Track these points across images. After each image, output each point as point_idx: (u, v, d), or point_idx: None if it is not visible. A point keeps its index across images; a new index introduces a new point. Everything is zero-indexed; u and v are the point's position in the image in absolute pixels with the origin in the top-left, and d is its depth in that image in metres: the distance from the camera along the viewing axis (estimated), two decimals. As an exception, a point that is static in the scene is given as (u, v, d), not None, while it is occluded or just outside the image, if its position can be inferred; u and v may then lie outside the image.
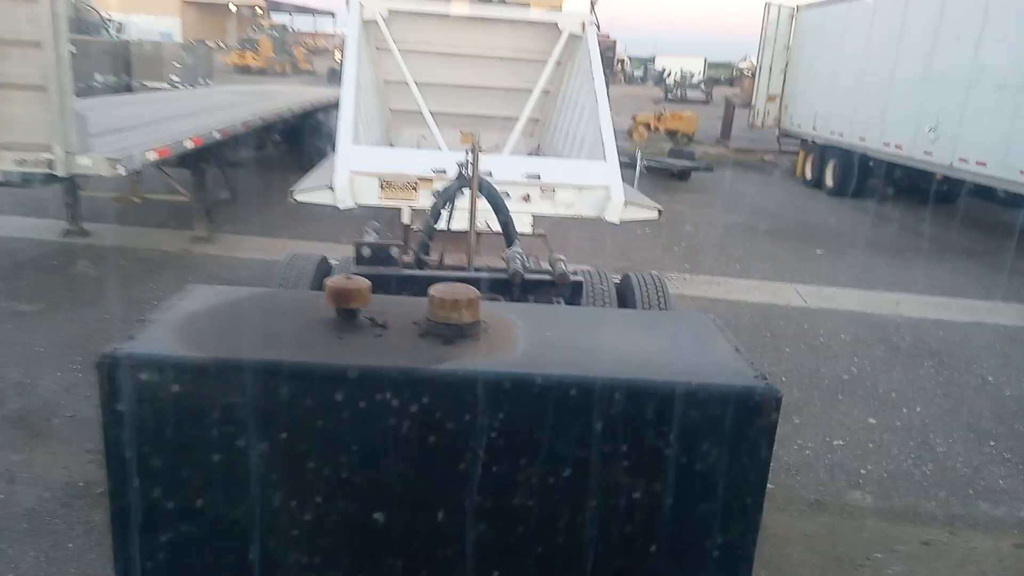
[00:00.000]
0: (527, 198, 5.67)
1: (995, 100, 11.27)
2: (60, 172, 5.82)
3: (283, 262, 3.72)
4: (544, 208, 5.70)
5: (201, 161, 8.60)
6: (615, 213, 5.53)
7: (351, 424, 1.23)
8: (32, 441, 4.49)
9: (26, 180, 6.00)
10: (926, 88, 12.94)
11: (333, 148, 5.82)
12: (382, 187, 5.50)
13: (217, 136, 8.08)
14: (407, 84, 7.42)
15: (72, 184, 8.24)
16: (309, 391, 1.22)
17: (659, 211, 5.74)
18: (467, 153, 3.42)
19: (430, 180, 5.53)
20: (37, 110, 5.64)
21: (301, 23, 68.52)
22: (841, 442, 5.22)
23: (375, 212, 5.57)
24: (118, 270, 7.90)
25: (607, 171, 5.75)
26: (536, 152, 8.83)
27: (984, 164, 11.38)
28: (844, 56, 16.10)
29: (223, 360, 1.25)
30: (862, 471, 4.86)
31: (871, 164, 15.30)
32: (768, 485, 1.44)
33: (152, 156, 6.48)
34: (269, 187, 10.52)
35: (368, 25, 7.59)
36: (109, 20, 28.75)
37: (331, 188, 5.31)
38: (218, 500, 1.25)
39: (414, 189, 5.56)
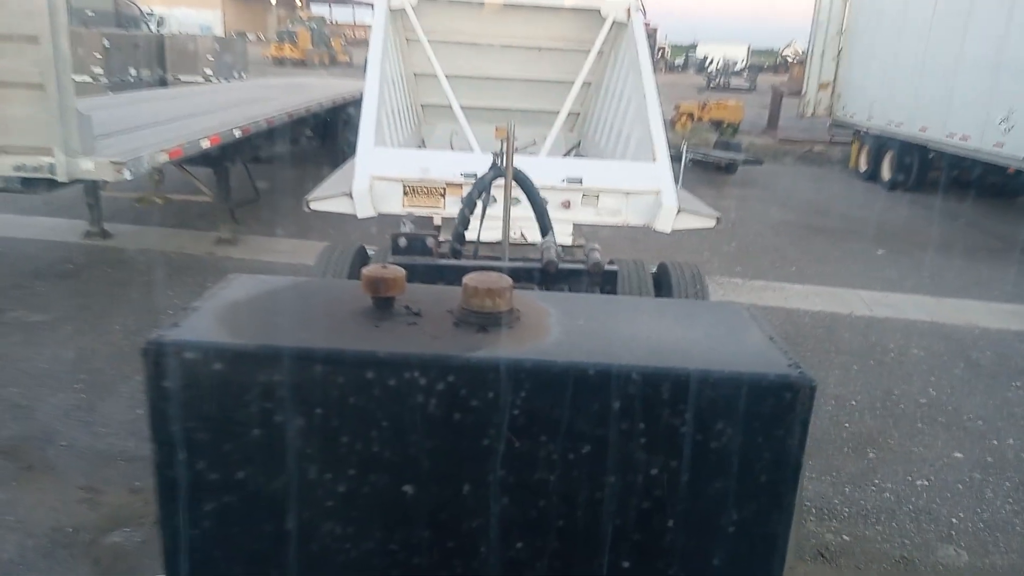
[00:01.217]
0: (567, 205, 5.11)
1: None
2: (61, 177, 5.41)
3: (322, 251, 3.65)
4: (586, 216, 5.14)
5: (224, 160, 8.20)
6: (667, 222, 4.94)
7: (385, 408, 1.26)
8: (21, 475, 4.08)
9: (28, 186, 5.59)
10: (997, 74, 11.99)
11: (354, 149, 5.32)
12: (406, 194, 4.99)
13: (238, 134, 7.65)
14: (438, 77, 6.90)
15: (93, 185, 7.91)
16: (345, 376, 1.25)
17: (717, 219, 5.14)
18: (501, 144, 3.33)
19: (459, 186, 5.01)
20: (35, 110, 5.21)
21: (340, 14, 68.60)
22: (925, 482, 4.58)
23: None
24: (137, 275, 7.55)
25: (657, 173, 5.16)
26: (576, 149, 8.25)
27: (1064, 157, 10.49)
28: (904, 41, 15.13)
29: (263, 346, 1.28)
30: (953, 520, 4.22)
31: (932, 156, 14.38)
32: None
33: (162, 158, 6.05)
34: (299, 185, 10.10)
35: (396, 14, 7.08)
36: (149, 14, 28.84)
37: (349, 195, 4.82)
38: (258, 474, 1.30)
39: (441, 196, 5.04)
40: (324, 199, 4.92)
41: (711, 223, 5.12)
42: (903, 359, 6.47)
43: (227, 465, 1.30)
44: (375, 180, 4.97)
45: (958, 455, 4.93)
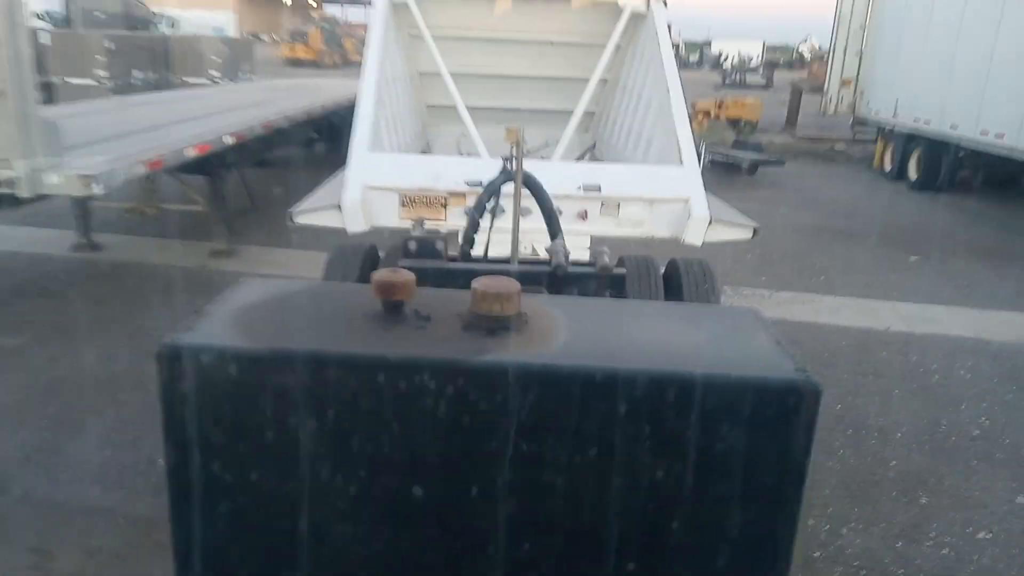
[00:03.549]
0: (584, 215, 4.61)
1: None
2: (23, 193, 4.95)
3: (332, 252, 3.53)
4: (606, 227, 4.63)
5: (218, 167, 7.74)
6: (698, 234, 4.42)
7: (395, 410, 1.27)
8: (-34, 534, 3.64)
9: (-9, 201, 5.14)
10: (1036, 69, 11.36)
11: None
12: (403, 205, 4.51)
13: (229, 141, 7.18)
14: (442, 76, 6.42)
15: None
16: (356, 380, 1.27)
17: (755, 230, 4.62)
18: (511, 147, 3.25)
19: (463, 196, 4.52)
20: (-5, 120, 4.74)
21: (353, 14, 68.24)
22: (988, 535, 4.04)
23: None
24: (124, 291, 7.10)
25: (686, 179, 4.64)
26: (591, 151, 7.74)
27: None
28: (932, 35, 14.48)
29: (276, 350, 1.30)
30: (1025, 583, 3.69)
31: (962, 155, 13.73)
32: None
33: (140, 170, 5.58)
34: (301, 192, 9.66)
35: (398, 8, 6.59)
36: (160, 15, 28.54)
37: (339, 208, 4.34)
38: (271, 476, 1.31)
39: (443, 207, 4.55)
40: (311, 212, 4.45)
41: (748, 235, 4.60)
42: (948, 382, 5.92)
43: (240, 467, 1.31)
44: (368, 190, 4.49)
45: (1021, 500, 4.39)
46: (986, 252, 9.90)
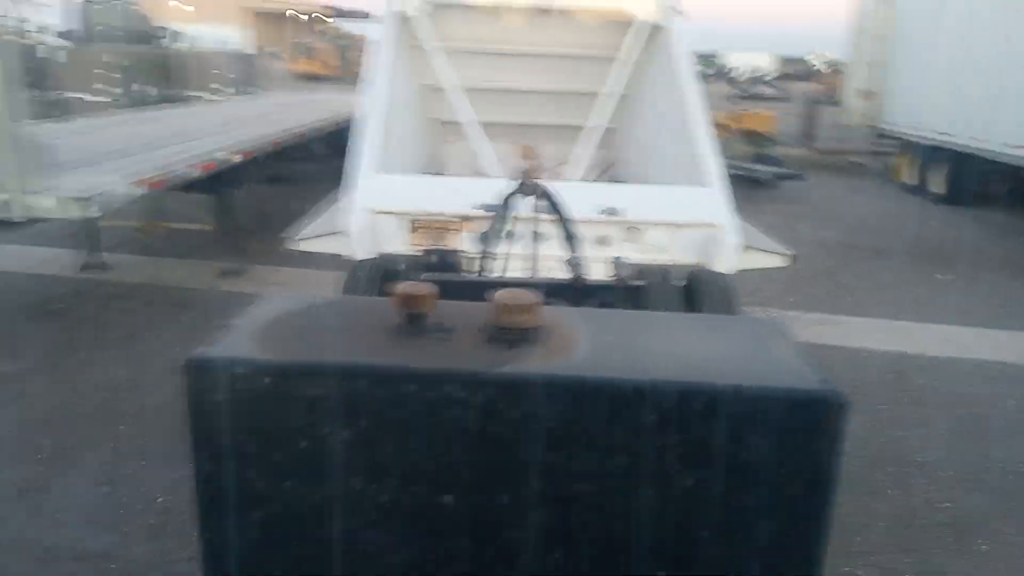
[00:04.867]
0: (604, 240, 4.33)
1: None
2: (15, 216, 4.74)
3: (352, 266, 3.42)
4: (627, 253, 4.34)
5: (226, 185, 7.54)
6: (728, 261, 4.13)
7: (420, 422, 1.29)
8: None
9: (-18, 226, 4.92)
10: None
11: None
12: (413, 230, 4.25)
13: (236, 159, 6.96)
14: (453, 91, 6.18)
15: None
16: (381, 392, 1.29)
17: (793, 257, 4.34)
18: (527, 165, 3.08)
19: (476, 220, 4.26)
20: (-20, 141, 4.51)
21: (359, 28, 68.56)
22: (1053, 586, 3.72)
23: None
24: (131, 314, 6.89)
25: (714, 201, 4.36)
26: (610, 169, 7.47)
27: None
28: (955, 46, 14.16)
29: (301, 363, 1.32)
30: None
31: (986, 167, 13.37)
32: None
33: (140, 191, 5.36)
34: (311, 209, 9.46)
35: (405, 21, 6.37)
36: (176, 31, 28.61)
37: (345, 233, 4.09)
38: (300, 487, 1.32)
39: (456, 232, 4.29)
40: (314, 238, 4.20)
41: (782, 262, 4.32)
42: (995, 413, 5.58)
43: (268, 478, 1.33)
44: (376, 215, 4.24)
45: (1085, 545, 4.05)
46: (1018, 270, 9.54)
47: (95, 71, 14.67)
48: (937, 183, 14.47)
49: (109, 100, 14.70)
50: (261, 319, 1.50)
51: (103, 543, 3.71)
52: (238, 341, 1.40)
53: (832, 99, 21.54)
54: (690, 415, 1.24)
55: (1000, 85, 12.53)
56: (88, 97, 14.36)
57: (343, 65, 47.17)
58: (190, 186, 6.87)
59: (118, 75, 14.98)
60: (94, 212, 4.83)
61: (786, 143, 21.40)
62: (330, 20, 59.67)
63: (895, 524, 4.11)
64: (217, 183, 7.28)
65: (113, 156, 6.47)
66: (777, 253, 4.32)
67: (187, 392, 1.29)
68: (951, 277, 9.14)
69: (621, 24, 6.50)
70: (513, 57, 7.20)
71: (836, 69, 30.96)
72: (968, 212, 13.20)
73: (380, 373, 1.31)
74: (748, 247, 4.17)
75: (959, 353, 6.70)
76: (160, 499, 4.08)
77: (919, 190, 14.96)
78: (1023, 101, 11.96)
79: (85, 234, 7.90)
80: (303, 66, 45.43)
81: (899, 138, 16.32)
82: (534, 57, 7.22)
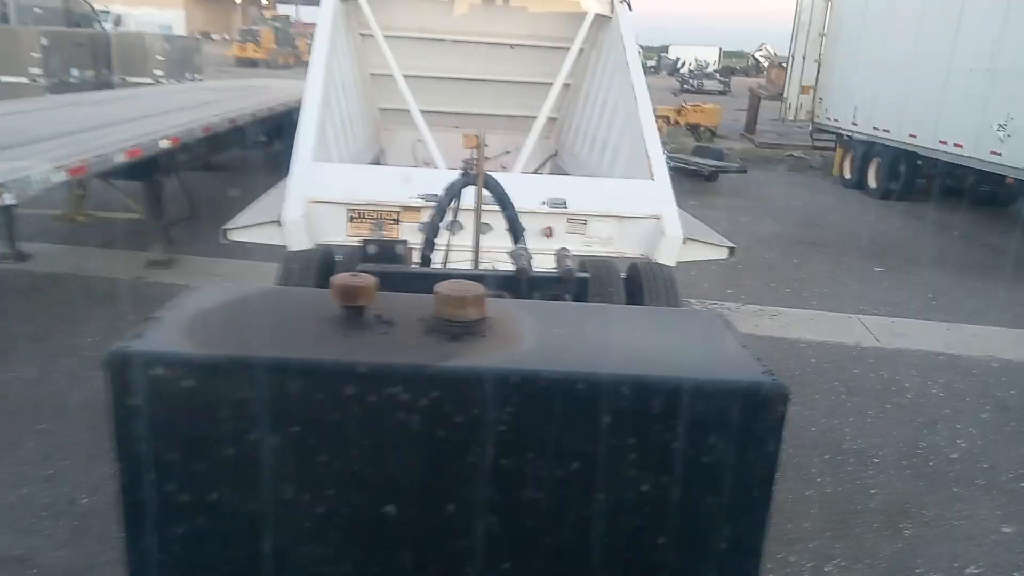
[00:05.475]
0: (549, 233, 4.29)
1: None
2: (-74, 204, 4.45)
3: (286, 257, 3.42)
4: (572, 245, 4.31)
5: (155, 172, 7.24)
6: (670, 254, 4.13)
7: (359, 420, 1.24)
8: None
9: None
10: (994, 79, 11.40)
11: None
12: (351, 220, 4.13)
13: (165, 145, 6.68)
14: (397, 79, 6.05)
15: None
16: (317, 387, 1.23)
17: (731, 250, 4.36)
18: (471, 153, 3.22)
19: (417, 210, 4.16)
20: None
21: (306, 14, 67.25)
22: (976, 570, 3.82)
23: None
24: (50, 306, 6.57)
25: (657, 195, 4.36)
26: (553, 158, 7.43)
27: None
28: (890, 44, 14.54)
29: (232, 357, 1.25)
30: (1020, 625, 3.47)
31: (921, 163, 13.80)
32: None
33: (59, 177, 5.09)
34: (246, 197, 9.18)
35: (347, 6, 6.20)
36: (104, 12, 27.46)
37: (278, 223, 3.95)
38: (230, 494, 1.26)
39: (395, 222, 4.19)
40: (247, 228, 4.05)
41: (723, 254, 4.34)
42: (923, 401, 5.73)
43: (194, 482, 1.26)
44: (313, 204, 4.10)
45: (1006, 529, 4.18)
46: (949, 263, 9.85)
47: (23, 53, 13.93)
48: (874, 178, 14.87)
49: (35, 83, 14.00)
50: (189, 311, 1.43)
51: (22, 547, 3.52)
52: (163, 334, 1.33)
53: (775, 94, 21.90)
54: (640, 407, 1.23)
55: (931, 85, 12.91)
56: (10, 78, 13.65)
57: (282, 50, 46.19)
58: (116, 173, 6.56)
59: (47, 57, 14.25)
60: (10, 199, 4.56)
61: (728, 136, 21.78)
62: (276, 6, 58.33)
63: (828, 510, 4.17)
64: (146, 170, 6.97)
65: (34, 141, 6.13)
66: (718, 245, 4.35)
67: (108, 389, 1.21)
68: (886, 270, 9.39)
69: (567, 13, 6.45)
70: (457, 45, 7.10)
71: (780, 65, 31.57)
72: (902, 207, 13.60)
73: (316, 368, 1.25)
74: (689, 239, 4.18)
75: (892, 344, 6.87)
76: (83, 500, 3.91)
77: (857, 184, 15.35)
78: (954, 101, 12.36)
79: (1, 222, 7.50)
80: (249, 52, 44.31)
81: (838, 133, 16.71)
82: (479, 45, 7.13)
